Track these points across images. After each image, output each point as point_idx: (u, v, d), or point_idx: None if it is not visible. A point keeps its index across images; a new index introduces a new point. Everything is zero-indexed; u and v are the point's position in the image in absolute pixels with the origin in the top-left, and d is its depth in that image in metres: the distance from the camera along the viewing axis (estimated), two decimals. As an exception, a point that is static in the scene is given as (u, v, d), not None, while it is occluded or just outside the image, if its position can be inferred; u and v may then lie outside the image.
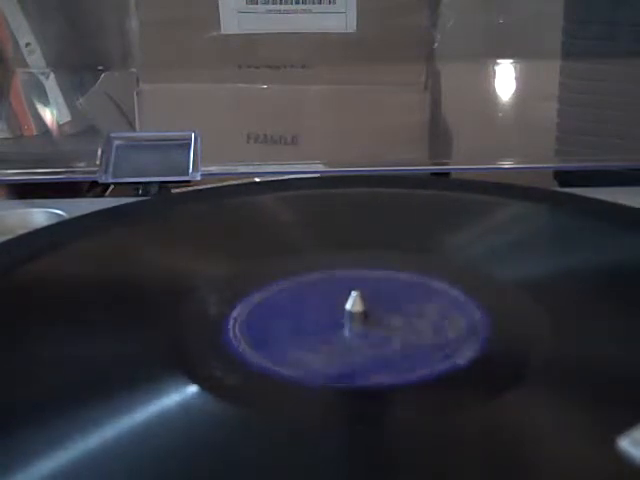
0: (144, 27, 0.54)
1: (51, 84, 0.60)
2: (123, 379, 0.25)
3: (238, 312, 0.29)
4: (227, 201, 0.40)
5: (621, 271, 0.31)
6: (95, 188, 0.57)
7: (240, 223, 0.38)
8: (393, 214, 0.38)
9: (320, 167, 0.51)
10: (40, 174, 0.49)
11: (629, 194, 0.38)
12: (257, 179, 0.50)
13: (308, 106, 0.55)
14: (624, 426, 0.21)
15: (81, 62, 0.59)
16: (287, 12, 0.52)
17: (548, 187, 0.49)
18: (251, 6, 0.52)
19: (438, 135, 0.56)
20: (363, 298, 0.27)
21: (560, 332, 0.27)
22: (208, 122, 0.52)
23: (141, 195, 0.46)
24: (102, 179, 0.46)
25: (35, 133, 0.61)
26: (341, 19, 0.52)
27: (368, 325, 0.27)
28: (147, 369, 0.25)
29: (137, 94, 0.55)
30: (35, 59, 0.59)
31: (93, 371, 0.25)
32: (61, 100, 0.60)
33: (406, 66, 0.54)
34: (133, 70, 0.56)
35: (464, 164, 0.51)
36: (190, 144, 0.47)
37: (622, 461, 0.20)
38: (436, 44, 0.55)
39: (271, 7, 0.52)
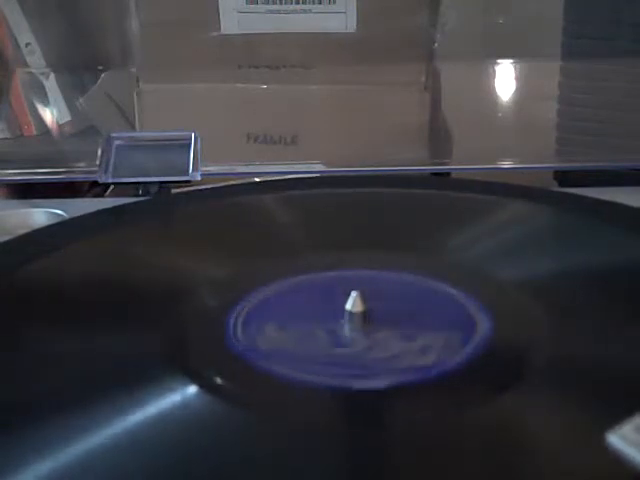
0: (144, 27, 0.54)
1: (51, 84, 0.60)
2: (123, 379, 0.25)
3: (238, 312, 0.29)
4: (227, 201, 0.40)
5: (621, 271, 0.31)
6: (95, 188, 0.57)
7: (240, 223, 0.38)
8: (393, 214, 0.38)
9: (320, 167, 0.51)
10: (40, 174, 0.49)
11: (629, 194, 0.38)
12: (257, 179, 0.50)
13: (308, 106, 0.55)
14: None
15: (81, 62, 0.59)
16: (287, 12, 0.52)
17: (548, 187, 0.49)
18: (251, 6, 0.52)
19: (438, 135, 0.56)
20: (363, 298, 0.27)
21: (560, 332, 0.27)
22: (208, 122, 0.52)
23: (141, 195, 0.46)
24: (102, 179, 0.46)
25: (35, 133, 0.61)
26: (341, 19, 0.52)
27: (368, 325, 0.27)
28: (147, 369, 0.25)
29: (137, 94, 0.55)
30: (35, 59, 0.59)
31: (92, 371, 0.25)
32: (61, 100, 0.60)
33: (406, 66, 0.54)
34: (133, 70, 0.56)
35: (464, 164, 0.51)
36: (190, 144, 0.47)
37: (611, 457, 0.20)
38: (436, 44, 0.55)
39: (271, 7, 0.52)
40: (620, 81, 0.53)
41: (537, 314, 0.28)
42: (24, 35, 0.58)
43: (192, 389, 0.24)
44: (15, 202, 0.46)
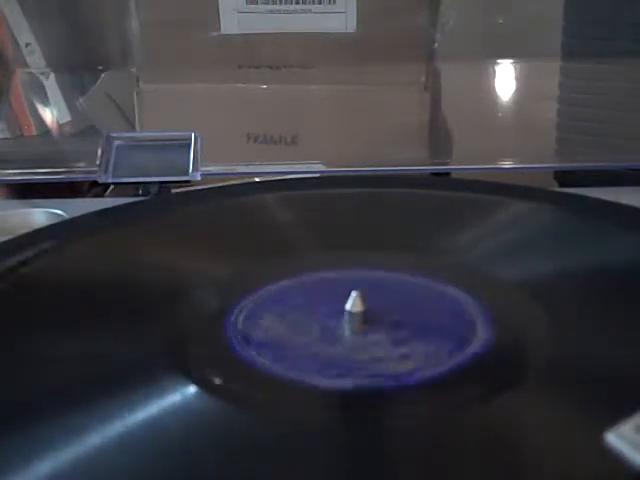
0: (144, 27, 0.54)
1: (51, 84, 0.60)
2: (122, 379, 0.25)
3: (238, 312, 0.29)
4: (227, 201, 0.40)
5: (621, 271, 0.31)
6: (95, 188, 0.57)
7: (240, 223, 0.38)
8: (393, 214, 0.38)
9: (320, 167, 0.51)
10: (40, 174, 0.49)
11: (629, 194, 0.38)
12: (257, 179, 0.50)
13: (308, 106, 0.55)
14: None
15: (81, 62, 0.59)
16: (287, 12, 0.52)
17: (548, 187, 0.49)
18: (251, 6, 0.52)
19: (438, 135, 0.56)
20: (363, 298, 0.27)
21: (560, 332, 0.27)
22: (208, 122, 0.52)
23: (141, 195, 0.46)
24: (102, 179, 0.46)
25: (35, 133, 0.61)
26: (341, 19, 0.52)
27: (368, 325, 0.27)
28: (146, 369, 0.25)
29: (137, 94, 0.55)
30: (35, 59, 0.59)
31: (92, 372, 0.25)
32: (61, 100, 0.61)
33: (406, 66, 0.54)
34: (133, 70, 0.56)
35: (464, 164, 0.51)
36: (190, 144, 0.47)
37: (609, 456, 0.20)
38: (436, 44, 0.55)
39: (271, 7, 0.52)
40: (620, 81, 0.53)
41: (537, 314, 0.28)
42: (24, 35, 0.58)
43: (191, 389, 0.24)
44: (15, 202, 0.46)
